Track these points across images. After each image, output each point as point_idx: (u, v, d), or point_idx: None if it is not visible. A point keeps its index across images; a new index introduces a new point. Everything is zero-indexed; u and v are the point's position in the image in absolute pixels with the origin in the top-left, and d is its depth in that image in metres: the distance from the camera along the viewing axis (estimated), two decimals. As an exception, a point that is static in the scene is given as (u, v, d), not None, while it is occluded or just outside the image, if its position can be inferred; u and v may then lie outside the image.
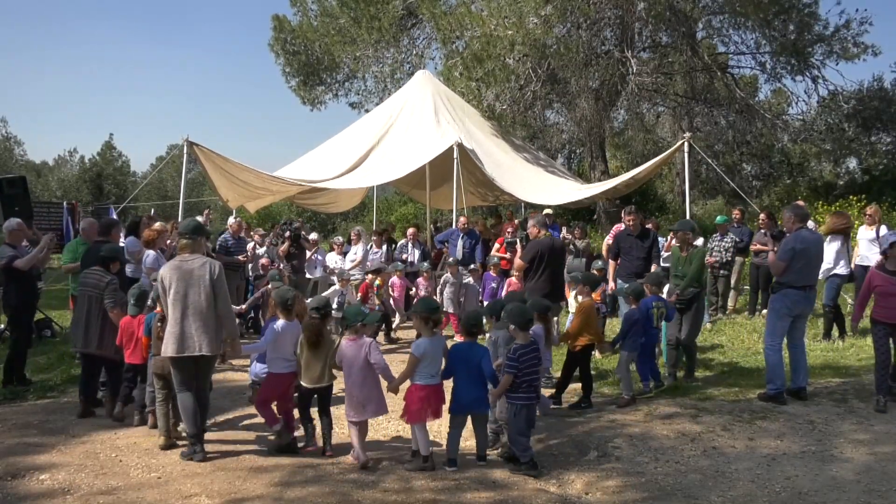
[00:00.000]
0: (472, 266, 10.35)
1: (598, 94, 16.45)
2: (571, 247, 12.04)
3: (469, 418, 5.16)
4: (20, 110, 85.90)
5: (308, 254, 11.12)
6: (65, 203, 12.98)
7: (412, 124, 13.05)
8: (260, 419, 5.65)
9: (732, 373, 7.69)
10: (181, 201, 10.89)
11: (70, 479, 4.76)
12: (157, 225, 8.41)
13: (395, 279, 10.16)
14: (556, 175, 14.18)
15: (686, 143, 11.55)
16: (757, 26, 16.72)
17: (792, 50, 16.63)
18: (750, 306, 10.95)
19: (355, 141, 13.28)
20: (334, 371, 5.40)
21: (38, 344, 8.97)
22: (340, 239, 12.23)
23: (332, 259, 11.48)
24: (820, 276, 8.66)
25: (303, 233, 11.38)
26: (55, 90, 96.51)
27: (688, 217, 11.56)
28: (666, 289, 7.58)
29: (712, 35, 18.34)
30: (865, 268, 9.07)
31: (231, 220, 10.99)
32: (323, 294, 9.23)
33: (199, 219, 10.12)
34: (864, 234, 9.26)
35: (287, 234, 10.88)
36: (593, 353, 7.18)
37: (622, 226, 10.82)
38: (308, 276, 11.07)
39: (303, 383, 5.40)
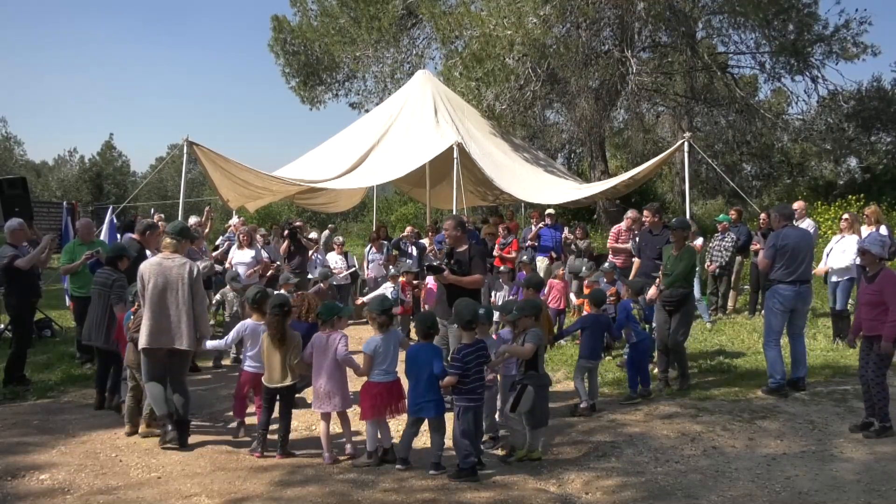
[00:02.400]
0: None
1: (598, 93, 16.42)
2: (573, 247, 12.03)
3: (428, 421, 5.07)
4: (20, 110, 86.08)
5: (309, 253, 11.12)
6: (64, 203, 12.94)
7: (412, 124, 13.04)
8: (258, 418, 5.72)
9: (732, 373, 7.68)
10: (181, 201, 10.88)
11: (70, 479, 4.77)
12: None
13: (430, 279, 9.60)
14: (556, 175, 14.18)
15: (686, 143, 11.54)
16: (756, 26, 16.68)
17: (791, 50, 16.61)
18: (750, 306, 10.95)
19: (355, 141, 13.28)
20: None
21: (38, 344, 8.96)
22: (341, 239, 12.26)
23: (333, 259, 11.49)
24: (836, 279, 8.66)
25: (307, 230, 11.38)
26: (55, 90, 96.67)
27: (688, 217, 11.53)
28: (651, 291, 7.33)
29: (712, 35, 18.29)
30: (863, 267, 9.08)
31: (234, 220, 11.02)
32: (376, 292, 9.48)
33: (194, 219, 10.17)
34: (864, 235, 9.25)
35: (285, 231, 10.89)
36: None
37: (622, 226, 10.78)
38: (309, 275, 11.06)
39: (264, 382, 5.40)
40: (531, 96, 15.46)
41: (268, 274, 9.81)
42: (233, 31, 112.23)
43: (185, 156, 10.54)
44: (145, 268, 5.42)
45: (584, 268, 9.67)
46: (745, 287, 11.61)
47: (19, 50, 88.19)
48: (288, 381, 5.33)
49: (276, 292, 6.35)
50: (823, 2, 17.69)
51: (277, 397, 5.40)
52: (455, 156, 11.50)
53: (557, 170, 15.23)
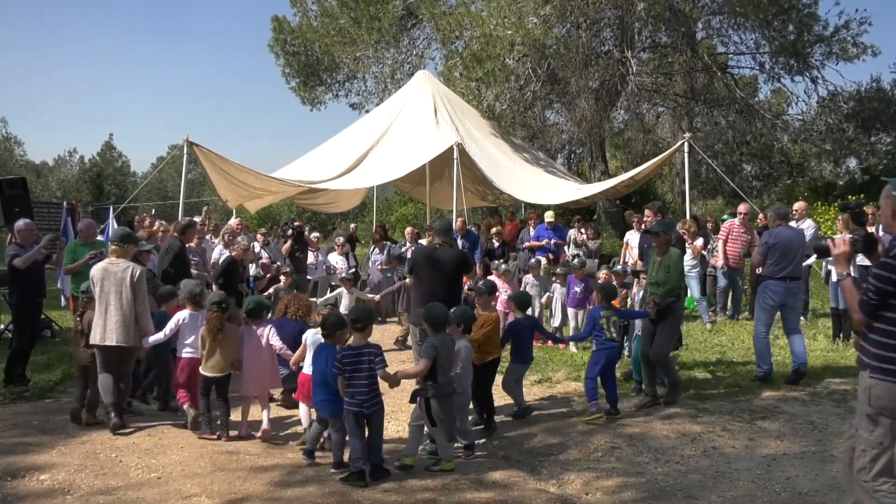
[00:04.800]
0: None
1: (598, 94, 16.45)
2: (584, 247, 11.98)
3: None
4: (20, 110, 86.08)
5: (310, 253, 11.11)
6: (64, 203, 12.89)
7: (412, 124, 13.06)
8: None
9: (732, 373, 7.68)
10: (181, 201, 10.89)
11: (70, 479, 4.77)
12: (157, 224, 8.51)
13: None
14: (556, 175, 14.19)
15: (686, 144, 11.55)
16: (756, 26, 16.72)
17: (791, 50, 16.64)
18: (749, 306, 10.92)
19: (355, 141, 13.30)
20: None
21: (38, 344, 8.95)
22: (341, 239, 12.26)
23: (334, 259, 11.50)
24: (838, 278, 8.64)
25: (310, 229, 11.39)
26: (55, 90, 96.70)
27: (687, 218, 11.52)
28: (638, 297, 7.17)
29: (712, 35, 18.34)
30: (867, 268, 9.07)
31: (232, 220, 11.05)
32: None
33: (197, 218, 10.16)
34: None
35: (289, 232, 10.89)
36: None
37: (734, 221, 10.46)
38: (308, 276, 11.05)
39: (202, 371, 5.77)
40: (531, 96, 15.48)
41: (267, 275, 9.82)
42: (233, 30, 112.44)
43: (185, 156, 10.55)
44: (95, 272, 5.94)
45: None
46: (745, 287, 11.60)
47: (19, 49, 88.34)
48: (225, 372, 5.77)
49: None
50: (823, 2, 17.80)
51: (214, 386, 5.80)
52: (455, 156, 11.51)
53: (557, 170, 15.23)
